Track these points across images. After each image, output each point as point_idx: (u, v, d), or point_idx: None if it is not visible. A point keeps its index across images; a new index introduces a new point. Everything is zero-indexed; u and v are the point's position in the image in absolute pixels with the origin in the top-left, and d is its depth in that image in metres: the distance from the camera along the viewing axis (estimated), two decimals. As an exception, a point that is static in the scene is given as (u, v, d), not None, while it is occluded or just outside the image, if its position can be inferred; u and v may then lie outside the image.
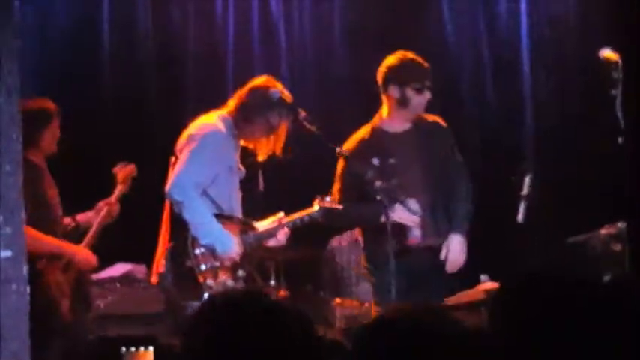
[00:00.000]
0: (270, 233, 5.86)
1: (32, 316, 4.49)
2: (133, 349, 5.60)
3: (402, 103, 5.95)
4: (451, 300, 5.84)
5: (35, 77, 7.17)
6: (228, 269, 5.65)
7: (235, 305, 2.23)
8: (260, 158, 5.92)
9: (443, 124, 6.14)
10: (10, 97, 4.50)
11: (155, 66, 7.91)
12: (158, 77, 7.91)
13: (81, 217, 6.16)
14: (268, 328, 2.19)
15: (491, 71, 8.09)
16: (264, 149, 5.88)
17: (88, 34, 7.80)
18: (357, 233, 7.37)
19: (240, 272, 5.71)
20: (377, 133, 6.02)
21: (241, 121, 5.80)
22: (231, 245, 5.64)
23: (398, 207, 5.78)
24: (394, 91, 5.96)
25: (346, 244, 7.43)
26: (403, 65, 5.97)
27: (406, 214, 5.84)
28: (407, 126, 6.04)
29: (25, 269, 4.52)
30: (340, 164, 5.96)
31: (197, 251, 5.60)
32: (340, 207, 6.03)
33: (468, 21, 8.12)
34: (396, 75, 5.95)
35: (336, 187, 6.00)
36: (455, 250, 5.91)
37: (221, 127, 5.76)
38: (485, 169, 6.19)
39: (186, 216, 5.58)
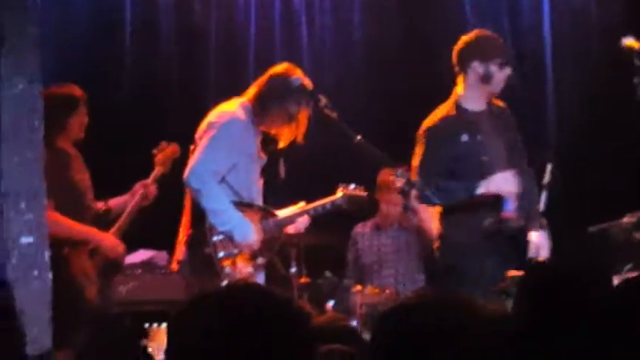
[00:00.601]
0: (292, 220, 5.85)
1: (57, 301, 4.51)
2: (146, 325, 5.65)
3: (485, 78, 5.74)
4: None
5: (56, 65, 7.18)
6: (248, 256, 5.65)
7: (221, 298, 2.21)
8: (281, 145, 5.87)
9: (508, 110, 5.98)
10: (32, 84, 4.51)
11: (177, 55, 7.93)
12: (180, 66, 7.92)
13: (113, 202, 6.16)
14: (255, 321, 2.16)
15: (514, 63, 8.06)
16: (286, 136, 5.83)
17: (109, 22, 7.82)
18: (378, 219, 7.37)
19: (260, 259, 5.70)
20: (459, 109, 5.79)
21: (261, 109, 5.75)
22: (249, 233, 5.62)
23: (495, 176, 5.58)
24: (477, 66, 5.73)
25: (369, 230, 7.41)
26: (484, 40, 5.80)
27: (503, 183, 5.58)
28: (484, 106, 5.83)
29: (47, 255, 4.53)
30: (420, 145, 5.72)
31: (215, 239, 5.59)
32: (364, 194, 5.98)
33: (490, 14, 8.09)
34: (479, 50, 5.74)
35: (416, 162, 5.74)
36: (543, 246, 5.69)
37: (241, 114, 5.73)
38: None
39: (204, 203, 5.56)
